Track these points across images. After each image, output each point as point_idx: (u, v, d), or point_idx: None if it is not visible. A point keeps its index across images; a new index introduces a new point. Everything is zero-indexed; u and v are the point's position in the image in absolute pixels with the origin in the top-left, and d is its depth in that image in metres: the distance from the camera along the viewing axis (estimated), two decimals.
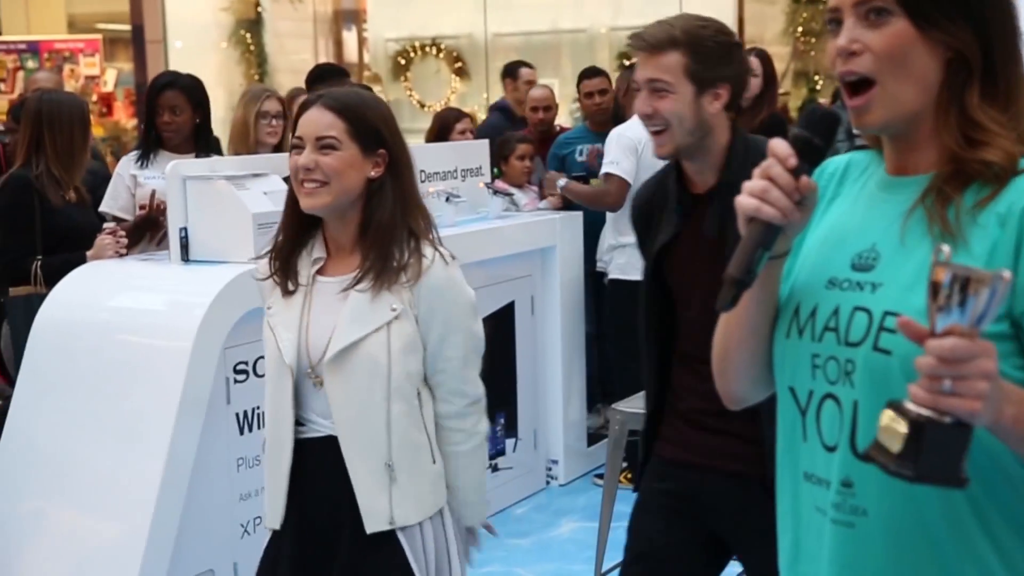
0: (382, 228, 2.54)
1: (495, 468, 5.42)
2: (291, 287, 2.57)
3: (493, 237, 5.32)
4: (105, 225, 4.58)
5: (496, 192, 5.64)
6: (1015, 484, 1.49)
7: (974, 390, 1.27)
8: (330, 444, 2.54)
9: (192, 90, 5.09)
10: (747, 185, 1.51)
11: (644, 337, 2.80)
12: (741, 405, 1.82)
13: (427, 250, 2.58)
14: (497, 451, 5.43)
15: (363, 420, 2.53)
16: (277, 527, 2.58)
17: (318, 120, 2.53)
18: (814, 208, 1.55)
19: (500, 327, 5.40)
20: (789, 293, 1.64)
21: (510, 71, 8.07)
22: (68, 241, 4.53)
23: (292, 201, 2.59)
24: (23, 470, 3.85)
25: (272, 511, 2.59)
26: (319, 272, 2.58)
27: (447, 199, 5.25)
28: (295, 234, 2.60)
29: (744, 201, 1.50)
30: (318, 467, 2.56)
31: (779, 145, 1.51)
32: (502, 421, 5.43)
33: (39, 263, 4.44)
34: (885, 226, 1.56)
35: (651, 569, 2.78)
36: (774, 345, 1.65)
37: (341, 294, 2.54)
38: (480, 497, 2.77)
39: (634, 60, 2.77)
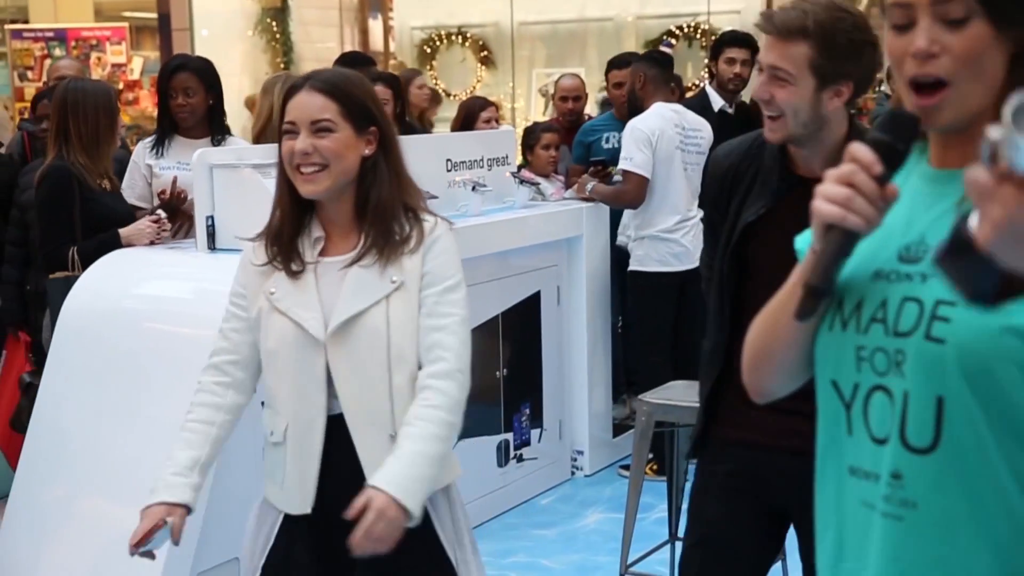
0: (381, 205, 2.57)
1: (520, 458, 5.42)
2: (296, 268, 2.56)
3: (519, 227, 5.31)
4: (158, 211, 4.58)
5: (523, 181, 5.63)
6: None
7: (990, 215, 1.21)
8: (342, 421, 2.56)
9: (204, 72, 5.09)
10: (827, 191, 1.47)
11: (717, 312, 2.74)
12: (769, 399, 1.80)
13: (427, 217, 2.64)
14: (522, 441, 5.43)
15: (366, 392, 2.55)
16: (308, 511, 2.55)
17: (310, 103, 2.53)
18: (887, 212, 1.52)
19: (526, 317, 5.39)
20: None
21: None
22: (107, 229, 4.53)
23: (286, 186, 2.58)
24: (50, 456, 3.87)
25: (301, 496, 2.56)
26: (320, 253, 2.59)
27: (473, 188, 5.24)
28: (292, 218, 2.59)
29: (825, 208, 1.47)
30: (339, 445, 2.56)
31: (862, 150, 1.46)
32: (527, 411, 5.42)
33: (75, 249, 4.45)
34: (934, 218, 1.54)
35: (715, 553, 2.78)
36: (817, 338, 1.63)
37: (343, 271, 2.56)
38: (425, 481, 2.51)
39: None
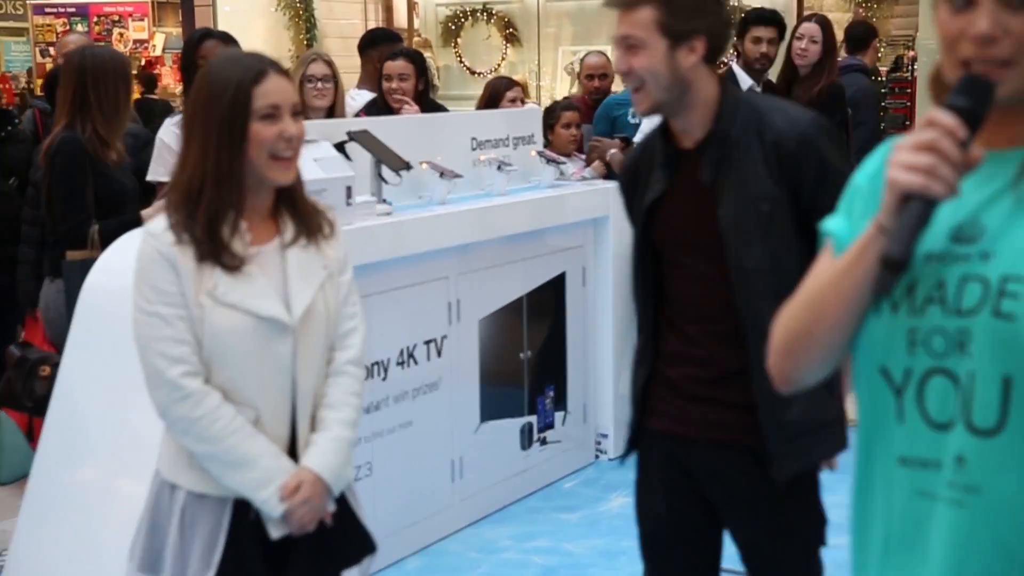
0: (297, 191, 2.62)
1: (544, 441, 5.39)
2: (232, 263, 2.50)
3: (545, 206, 5.27)
4: None
5: (549, 160, 5.59)
6: None
7: None
8: None
9: (229, 39, 5.10)
10: (907, 159, 1.44)
11: (636, 300, 2.81)
12: (796, 388, 1.76)
13: (319, 204, 2.70)
14: (546, 424, 5.40)
15: (314, 377, 2.60)
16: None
17: (288, 87, 2.55)
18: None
19: (551, 299, 5.36)
20: None
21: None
22: (117, 203, 4.52)
23: (232, 178, 2.50)
24: (70, 435, 3.87)
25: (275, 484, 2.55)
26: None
27: (499, 167, 5.21)
28: (224, 211, 2.51)
29: (905, 178, 1.44)
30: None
31: (944, 116, 1.45)
32: (551, 394, 5.40)
33: (96, 228, 4.43)
34: (986, 198, 1.52)
35: (662, 550, 2.84)
36: (862, 326, 1.59)
37: (279, 257, 2.56)
38: (348, 466, 2.68)
39: None
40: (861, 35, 7.45)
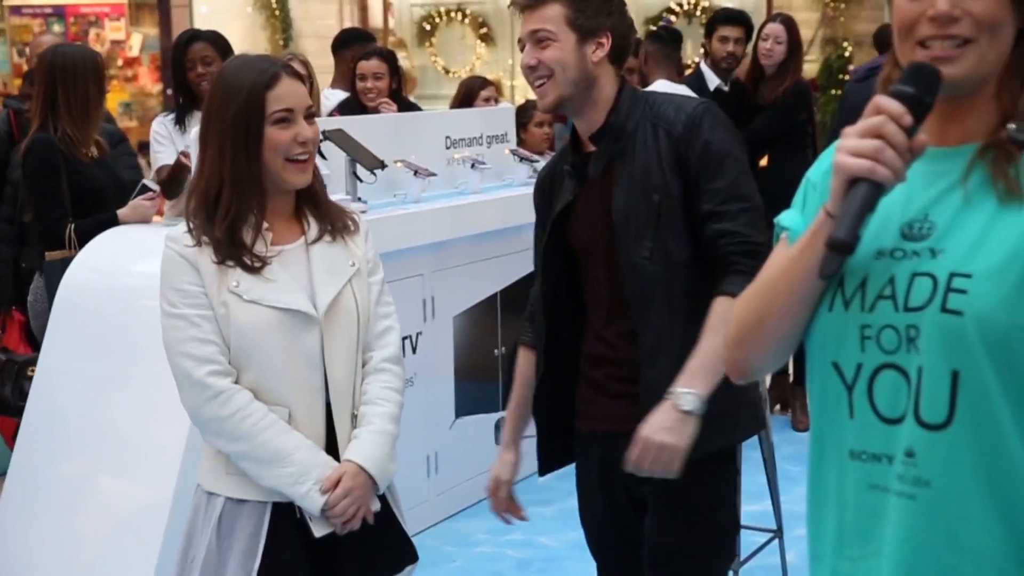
0: (319, 193, 2.63)
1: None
2: (254, 264, 2.49)
3: (518, 204, 5.26)
4: (149, 193, 4.54)
5: (522, 159, 5.61)
6: None
7: None
8: None
9: (218, 40, 5.13)
10: (852, 145, 1.45)
11: (542, 307, 2.79)
12: (750, 378, 1.78)
13: (336, 203, 2.71)
14: None
15: (347, 372, 2.57)
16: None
17: (301, 91, 2.53)
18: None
19: (525, 295, 5.35)
20: None
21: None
22: (95, 200, 4.50)
23: (249, 182, 2.48)
24: (47, 435, 3.87)
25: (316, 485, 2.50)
26: (271, 243, 2.54)
27: (472, 165, 5.23)
28: (245, 214, 2.49)
29: (851, 162, 1.45)
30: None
31: (889, 102, 1.46)
32: None
33: (72, 227, 4.42)
34: (936, 195, 1.54)
35: (607, 550, 2.84)
36: (815, 321, 1.60)
37: (303, 254, 2.56)
38: (392, 460, 2.62)
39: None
40: (888, 36, 7.50)
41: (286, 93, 2.48)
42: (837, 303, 1.57)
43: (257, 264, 2.48)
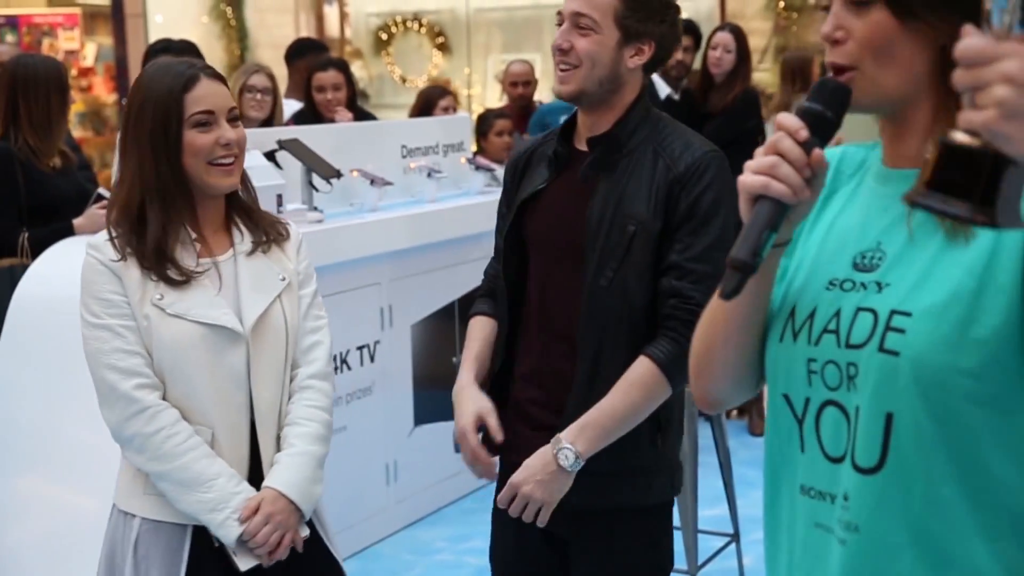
0: (249, 201, 2.53)
1: None
2: (178, 277, 2.37)
3: (475, 212, 5.29)
4: (103, 201, 4.49)
5: (478, 168, 5.61)
6: (1007, 486, 1.38)
7: (989, 97, 1.09)
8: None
9: (188, 51, 5.07)
10: (751, 164, 1.40)
11: (503, 299, 2.59)
12: (717, 409, 1.72)
13: (268, 212, 2.59)
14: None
15: (274, 391, 2.46)
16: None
17: (222, 92, 2.42)
18: (821, 189, 1.44)
19: None
20: (784, 295, 1.54)
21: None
22: (54, 210, 4.46)
23: (174, 188, 2.38)
24: (3, 445, 3.82)
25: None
26: (198, 255, 2.43)
27: (428, 175, 5.23)
28: (166, 223, 2.38)
29: (749, 180, 1.39)
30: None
31: (788, 118, 1.41)
32: None
33: (26, 236, 4.38)
34: (888, 223, 1.47)
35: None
36: (767, 350, 1.55)
37: (231, 267, 2.45)
38: (316, 483, 2.50)
39: None
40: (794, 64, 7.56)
41: (205, 94, 2.38)
42: (787, 334, 1.51)
43: (182, 279, 2.37)
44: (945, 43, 1.33)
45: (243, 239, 2.48)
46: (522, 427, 2.53)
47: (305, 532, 2.47)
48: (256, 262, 2.47)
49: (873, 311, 1.42)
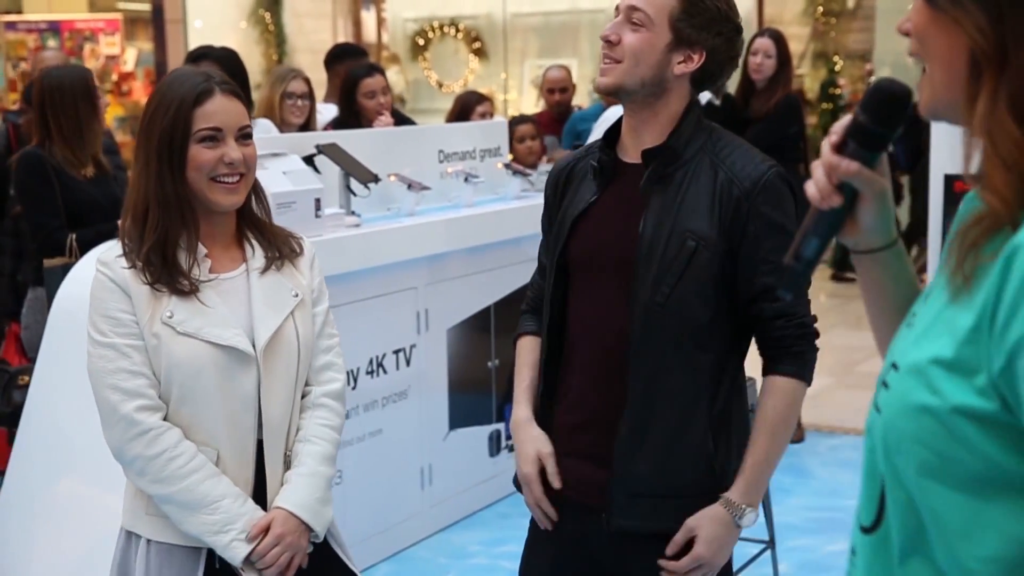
0: (261, 217, 2.49)
1: (512, 448, 5.39)
2: (186, 288, 2.33)
3: (512, 217, 5.29)
4: None
5: (515, 172, 5.62)
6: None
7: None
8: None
9: (227, 59, 5.11)
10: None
11: (551, 323, 2.49)
12: None
13: (281, 227, 2.54)
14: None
15: (284, 412, 2.42)
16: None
17: (234, 109, 2.37)
18: (873, 199, 1.40)
19: (517, 308, 5.36)
20: None
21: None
22: (89, 216, 4.51)
23: (177, 202, 2.34)
24: (43, 443, 3.86)
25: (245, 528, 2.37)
26: (209, 270, 2.40)
27: (466, 179, 5.23)
28: (176, 235, 2.35)
29: (806, 186, 1.42)
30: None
31: (837, 123, 1.41)
32: None
33: (74, 237, 4.44)
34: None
35: None
36: None
37: (243, 285, 2.41)
38: (327, 502, 2.46)
39: None
40: None
41: (216, 111, 2.33)
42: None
43: (190, 289, 2.33)
44: (971, 44, 1.22)
45: (255, 255, 2.44)
46: (567, 456, 2.45)
47: (309, 548, 2.43)
48: (269, 279, 2.43)
49: (892, 362, 1.30)
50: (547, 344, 2.49)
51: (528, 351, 2.58)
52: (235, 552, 2.32)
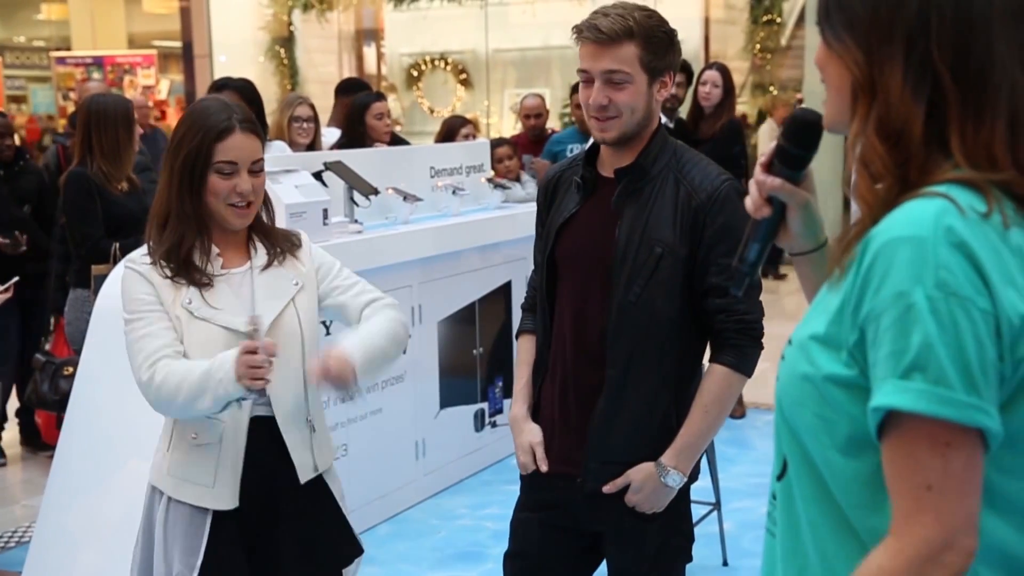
0: (267, 224, 2.49)
1: (494, 424, 5.39)
2: (204, 280, 2.36)
3: (493, 225, 5.28)
4: None
5: (496, 186, 5.60)
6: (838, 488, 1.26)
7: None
8: (261, 419, 2.40)
9: (244, 89, 5.09)
10: None
11: (542, 315, 2.50)
12: None
13: (282, 229, 2.55)
14: (496, 409, 5.40)
15: (289, 387, 2.39)
16: (237, 504, 2.37)
17: (250, 146, 2.37)
18: (799, 209, 1.44)
19: (499, 303, 5.36)
20: None
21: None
22: (124, 227, 4.49)
23: (193, 213, 2.36)
24: (87, 426, 3.82)
25: (231, 492, 2.36)
26: (221, 267, 2.41)
27: (453, 192, 5.21)
28: (190, 240, 2.37)
29: (744, 200, 1.46)
30: (257, 440, 2.39)
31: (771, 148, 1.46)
32: (500, 384, 5.40)
33: (117, 245, 4.42)
34: None
35: (527, 568, 2.55)
36: None
37: (249, 279, 2.41)
38: (377, 352, 2.40)
39: None
40: None
41: (233, 147, 2.34)
42: None
43: (206, 281, 2.35)
44: (851, 75, 1.26)
45: (259, 254, 2.45)
46: (554, 430, 2.47)
47: (357, 388, 2.36)
48: (271, 273, 2.43)
49: (789, 339, 1.33)
50: (542, 326, 2.50)
51: (526, 350, 2.59)
52: (231, 384, 2.23)
